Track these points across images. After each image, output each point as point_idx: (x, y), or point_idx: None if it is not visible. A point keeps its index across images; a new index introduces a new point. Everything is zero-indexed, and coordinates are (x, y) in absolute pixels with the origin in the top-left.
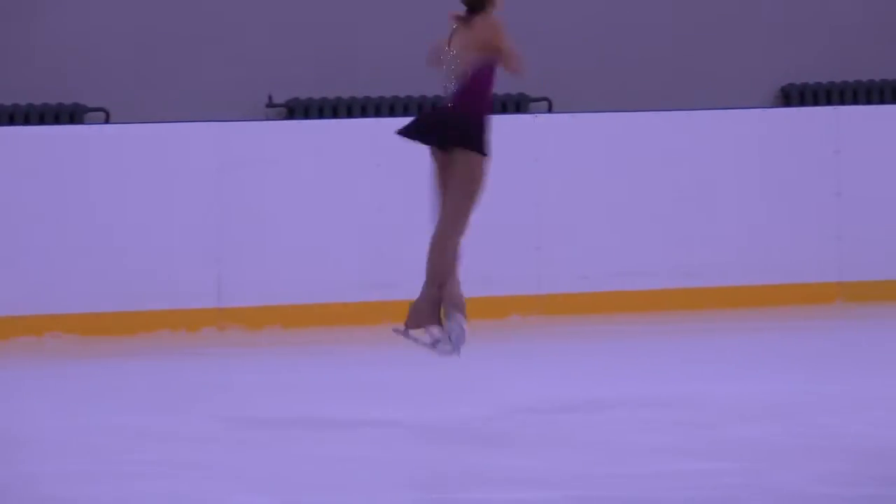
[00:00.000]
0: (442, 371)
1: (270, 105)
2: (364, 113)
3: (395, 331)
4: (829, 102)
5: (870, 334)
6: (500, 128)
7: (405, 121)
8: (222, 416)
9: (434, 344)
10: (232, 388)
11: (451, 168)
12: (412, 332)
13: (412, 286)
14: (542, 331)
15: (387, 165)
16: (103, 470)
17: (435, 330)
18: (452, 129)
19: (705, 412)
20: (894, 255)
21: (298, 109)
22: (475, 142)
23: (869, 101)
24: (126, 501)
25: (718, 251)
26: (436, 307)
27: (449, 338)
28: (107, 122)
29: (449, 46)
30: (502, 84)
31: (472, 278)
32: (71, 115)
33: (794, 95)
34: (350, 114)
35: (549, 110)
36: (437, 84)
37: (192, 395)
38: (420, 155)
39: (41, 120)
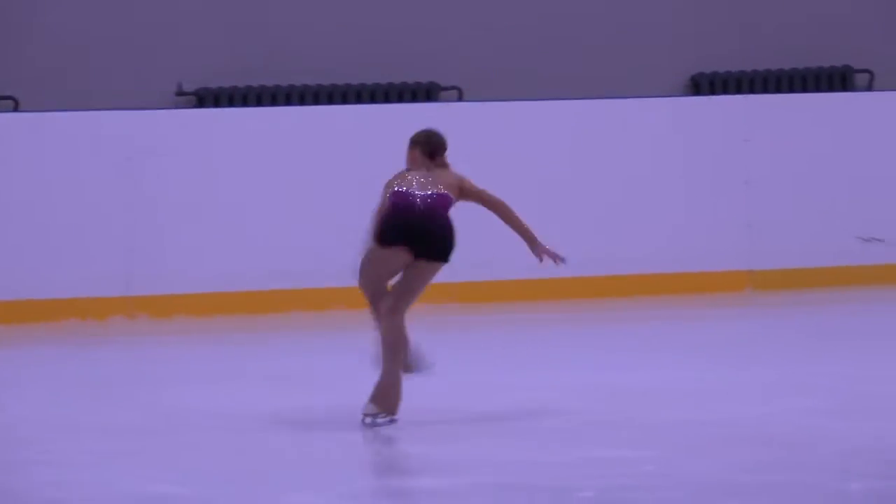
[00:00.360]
0: (359, 357)
1: (180, 93)
2: (274, 101)
3: (368, 422)
4: (738, 91)
5: (778, 322)
6: (411, 116)
7: (317, 109)
8: (142, 405)
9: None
10: (145, 378)
11: (413, 267)
12: (383, 415)
13: (321, 274)
14: (456, 322)
15: (298, 154)
16: (26, 458)
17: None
18: (438, 242)
19: (619, 400)
20: (802, 244)
21: (208, 98)
22: (448, 254)
23: (778, 90)
24: (53, 488)
25: (633, 240)
26: (399, 385)
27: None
28: (16, 110)
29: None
30: (412, 71)
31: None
32: None
33: (705, 84)
34: (260, 102)
35: (460, 99)
36: (346, 74)
37: (106, 384)
38: (329, 147)
39: None
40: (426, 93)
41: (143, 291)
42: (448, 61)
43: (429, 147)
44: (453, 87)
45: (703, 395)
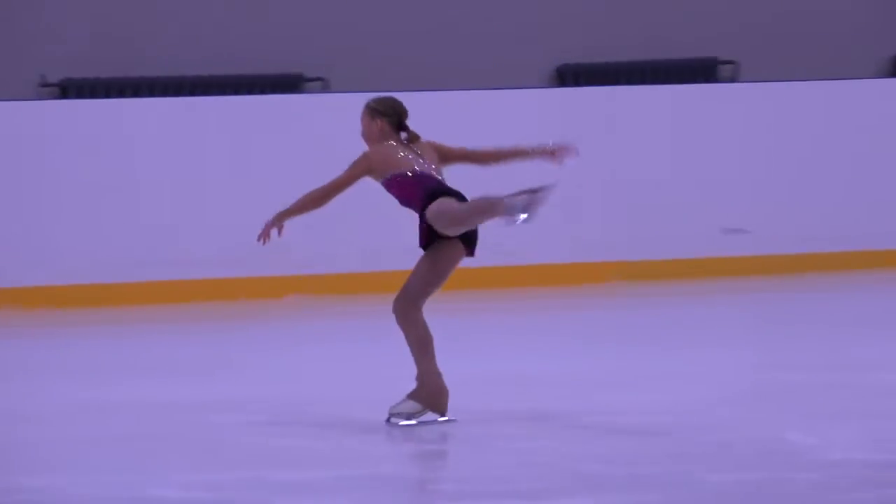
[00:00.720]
0: (217, 349)
1: (44, 85)
2: (136, 93)
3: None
4: (604, 83)
5: (646, 313)
6: (274, 107)
7: (185, 100)
8: (16, 395)
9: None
10: (11, 369)
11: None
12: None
13: (190, 265)
14: (323, 311)
15: (165, 145)
16: None
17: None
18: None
19: (489, 390)
20: (666, 235)
21: (72, 89)
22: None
23: (643, 82)
24: None
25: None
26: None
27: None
28: None
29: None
30: (277, 62)
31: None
32: None
33: (569, 75)
34: (122, 94)
35: (325, 90)
36: (212, 65)
37: None
38: (196, 139)
39: None
40: (292, 84)
41: (7, 284)
42: (313, 52)
43: (397, 118)
44: (318, 79)
45: (572, 385)
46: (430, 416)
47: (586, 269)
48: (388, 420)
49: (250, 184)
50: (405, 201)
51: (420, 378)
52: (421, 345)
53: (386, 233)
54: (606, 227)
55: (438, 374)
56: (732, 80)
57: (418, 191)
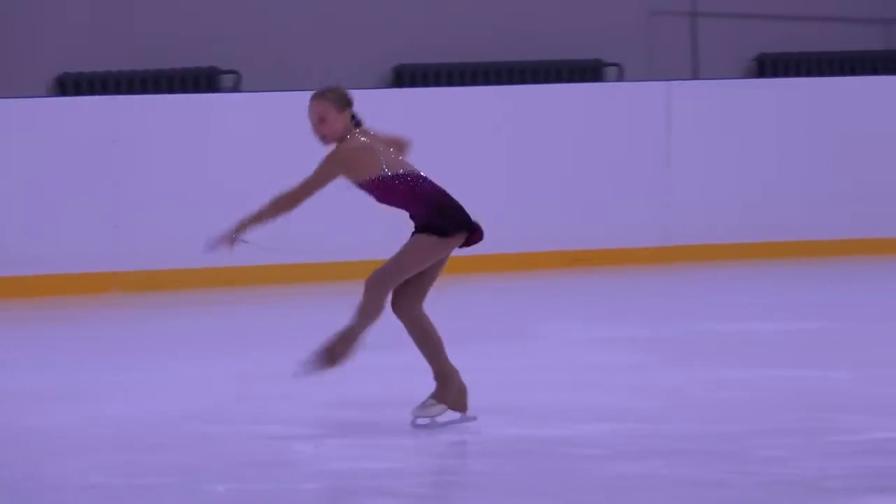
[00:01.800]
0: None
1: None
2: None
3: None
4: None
5: (141, 322)
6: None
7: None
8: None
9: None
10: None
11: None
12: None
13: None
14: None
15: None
16: None
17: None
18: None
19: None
20: (167, 245)
21: None
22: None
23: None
24: None
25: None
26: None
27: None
28: None
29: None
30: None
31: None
32: None
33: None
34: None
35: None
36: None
37: None
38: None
39: None
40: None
41: None
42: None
43: (352, 108)
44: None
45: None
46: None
47: (87, 279)
48: (412, 422)
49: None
50: (392, 204)
51: (439, 377)
52: (428, 344)
53: None
54: (107, 237)
55: (456, 373)
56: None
57: (419, 205)
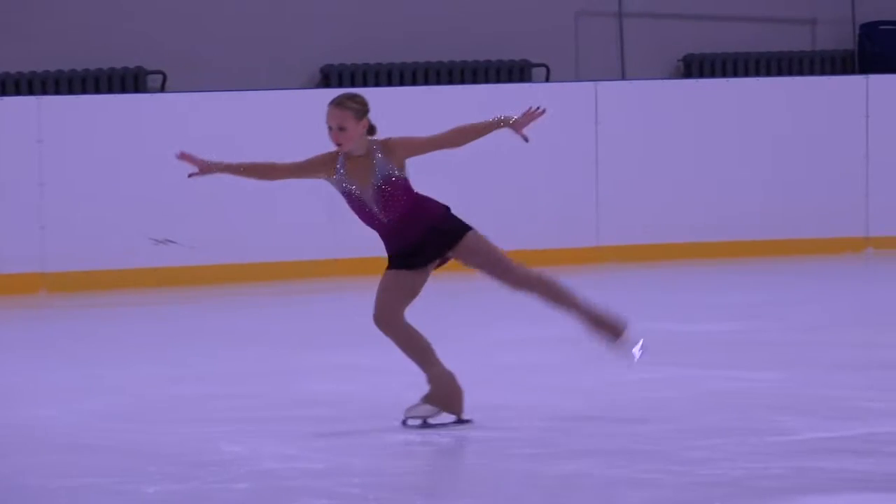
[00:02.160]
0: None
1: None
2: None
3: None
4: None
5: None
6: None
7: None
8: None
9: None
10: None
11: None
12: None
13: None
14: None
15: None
16: None
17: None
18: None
19: None
20: (94, 246)
21: None
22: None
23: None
24: None
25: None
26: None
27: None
28: None
29: None
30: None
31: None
32: None
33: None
34: None
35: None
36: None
37: None
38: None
39: None
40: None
41: None
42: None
43: (368, 115)
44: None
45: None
46: (444, 417)
47: (14, 280)
48: (403, 422)
49: None
50: (410, 203)
51: (432, 380)
52: (416, 351)
53: None
54: (34, 237)
55: (451, 376)
56: (160, 90)
57: (431, 205)
